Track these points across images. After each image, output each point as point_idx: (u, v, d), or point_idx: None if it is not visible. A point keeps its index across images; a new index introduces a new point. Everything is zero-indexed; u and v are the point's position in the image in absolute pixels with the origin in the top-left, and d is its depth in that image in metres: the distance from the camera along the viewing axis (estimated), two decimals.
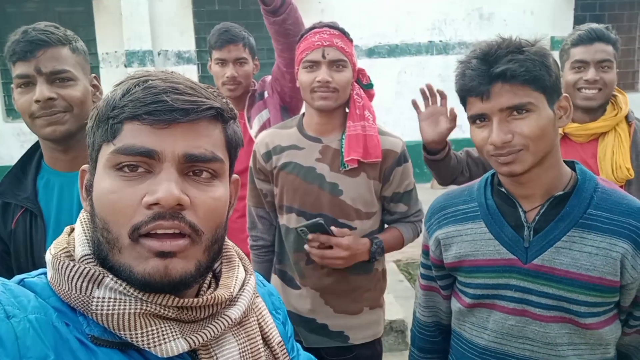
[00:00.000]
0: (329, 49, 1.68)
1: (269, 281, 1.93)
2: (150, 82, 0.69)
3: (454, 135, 1.94)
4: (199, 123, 0.70)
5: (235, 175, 0.81)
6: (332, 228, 1.68)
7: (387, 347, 3.03)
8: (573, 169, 1.23)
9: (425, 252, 1.40)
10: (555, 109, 1.15)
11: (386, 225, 1.90)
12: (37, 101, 1.32)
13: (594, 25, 1.98)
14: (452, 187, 1.43)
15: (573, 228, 1.15)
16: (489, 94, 1.11)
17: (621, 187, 1.88)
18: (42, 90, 1.32)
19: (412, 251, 4.76)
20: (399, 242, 1.84)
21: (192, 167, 0.69)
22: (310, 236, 1.67)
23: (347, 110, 1.79)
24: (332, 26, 1.73)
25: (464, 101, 1.19)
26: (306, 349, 1.81)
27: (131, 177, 0.67)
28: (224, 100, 0.75)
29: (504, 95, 1.10)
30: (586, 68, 1.94)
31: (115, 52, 7.27)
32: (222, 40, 2.28)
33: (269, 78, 2.40)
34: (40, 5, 7.04)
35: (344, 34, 1.73)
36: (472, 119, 1.17)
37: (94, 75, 1.49)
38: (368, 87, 1.84)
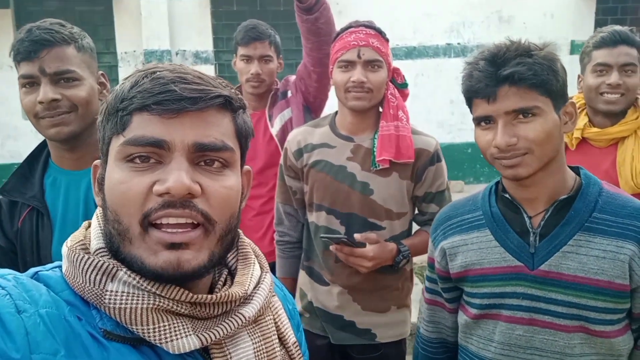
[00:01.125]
0: (364, 49, 1.68)
1: (296, 278, 1.93)
2: (158, 73, 0.69)
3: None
4: (208, 112, 0.69)
5: (247, 167, 0.81)
6: (356, 235, 1.68)
7: None
8: (578, 174, 1.22)
9: (431, 264, 1.39)
10: (561, 114, 1.14)
11: (415, 226, 1.89)
12: (40, 102, 1.31)
13: (618, 28, 1.92)
14: (468, 191, 1.41)
15: (579, 232, 1.13)
16: (496, 96, 1.10)
17: (637, 195, 1.83)
18: (45, 91, 1.31)
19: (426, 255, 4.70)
20: (427, 246, 1.83)
21: (203, 156, 0.69)
22: (332, 247, 1.68)
23: (380, 109, 1.78)
24: (369, 25, 1.72)
25: (469, 102, 1.18)
26: (332, 346, 1.83)
27: (142, 168, 0.67)
28: (233, 90, 0.74)
29: (510, 98, 1.09)
30: (609, 72, 1.89)
31: (134, 51, 7.34)
32: (249, 37, 2.29)
33: (292, 77, 2.41)
34: (61, 3, 7.13)
35: (380, 33, 1.73)
36: (477, 121, 1.16)
37: (101, 72, 1.47)
38: (403, 87, 1.83)
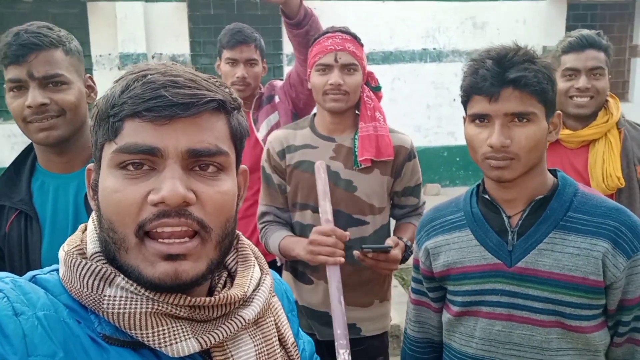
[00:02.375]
0: (341, 53, 1.74)
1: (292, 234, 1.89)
2: (149, 76, 0.67)
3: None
4: (201, 116, 0.68)
5: (243, 166, 0.80)
6: (388, 240, 1.74)
7: None
8: (555, 176, 1.26)
9: (416, 266, 1.42)
10: (549, 122, 1.18)
11: (392, 221, 1.96)
12: (29, 107, 1.30)
13: (585, 32, 1.95)
14: (445, 194, 1.45)
15: (554, 230, 1.17)
16: (498, 97, 1.12)
17: (611, 195, 1.89)
18: (34, 95, 1.30)
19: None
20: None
21: (197, 162, 0.68)
22: (371, 254, 1.70)
23: (357, 112, 1.85)
24: (345, 31, 1.79)
25: (467, 98, 1.20)
26: (319, 342, 1.85)
27: (135, 176, 0.66)
28: (227, 90, 0.73)
29: (512, 100, 1.12)
30: (577, 76, 1.92)
31: (109, 54, 7.24)
32: (235, 40, 2.29)
33: (277, 82, 2.43)
34: (34, 6, 7.00)
35: (355, 38, 1.80)
36: (473, 117, 1.18)
37: (88, 75, 1.47)
38: (376, 90, 1.92)
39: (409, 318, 1.47)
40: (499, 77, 1.12)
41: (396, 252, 1.72)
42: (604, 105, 1.99)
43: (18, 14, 6.86)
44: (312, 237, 1.67)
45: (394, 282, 4.45)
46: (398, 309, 3.59)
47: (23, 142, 1.48)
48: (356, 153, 1.79)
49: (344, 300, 1.81)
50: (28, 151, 1.48)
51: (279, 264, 2.10)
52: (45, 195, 1.40)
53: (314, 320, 1.89)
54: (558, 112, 1.21)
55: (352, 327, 1.86)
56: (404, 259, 1.80)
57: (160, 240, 0.65)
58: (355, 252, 1.71)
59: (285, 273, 1.96)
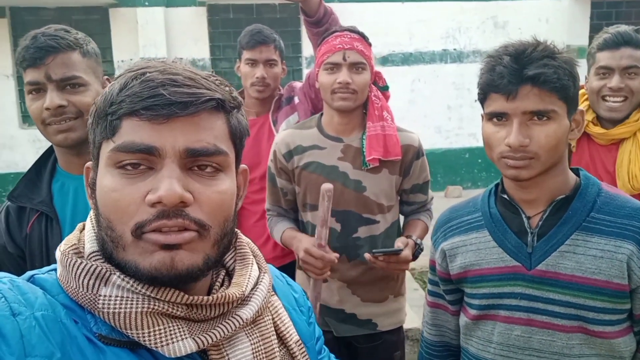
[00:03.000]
0: (349, 52, 1.74)
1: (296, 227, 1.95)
2: (147, 74, 0.66)
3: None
4: (200, 115, 0.67)
5: (243, 165, 0.79)
6: (397, 242, 1.75)
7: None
8: (578, 175, 1.21)
9: (432, 267, 1.39)
10: (571, 120, 1.14)
11: (402, 217, 1.99)
12: (47, 109, 1.32)
13: (622, 28, 1.87)
14: (466, 196, 1.41)
15: (576, 231, 1.13)
16: (516, 94, 1.08)
17: (635, 196, 1.83)
18: (52, 97, 1.32)
19: (426, 259, 4.68)
20: (426, 233, 1.94)
21: (195, 161, 0.67)
22: (381, 258, 1.72)
23: (365, 111, 1.85)
24: (352, 30, 1.80)
25: (484, 96, 1.16)
26: (336, 339, 1.88)
27: (133, 175, 0.66)
28: (227, 88, 0.72)
29: (530, 98, 1.08)
30: (611, 75, 1.85)
31: (131, 59, 7.35)
32: (255, 40, 2.28)
33: (296, 84, 2.43)
34: (56, 13, 7.15)
35: (363, 37, 1.80)
36: (490, 116, 1.15)
37: (106, 77, 1.47)
38: (384, 89, 1.91)
39: (425, 321, 1.44)
40: (516, 74, 1.07)
41: (407, 253, 1.72)
42: (639, 104, 1.90)
43: (41, 20, 7.01)
44: (302, 257, 1.71)
45: (415, 285, 4.41)
46: (418, 312, 3.56)
47: (47, 146, 1.50)
48: (364, 153, 1.80)
49: (360, 297, 1.87)
50: (49, 153, 1.49)
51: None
52: (65, 196, 1.42)
53: (331, 317, 1.90)
54: (581, 108, 1.16)
55: (368, 323, 1.89)
56: (414, 257, 1.82)
57: (157, 233, 0.65)
58: (367, 255, 1.71)
59: (298, 272, 1.97)
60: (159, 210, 0.64)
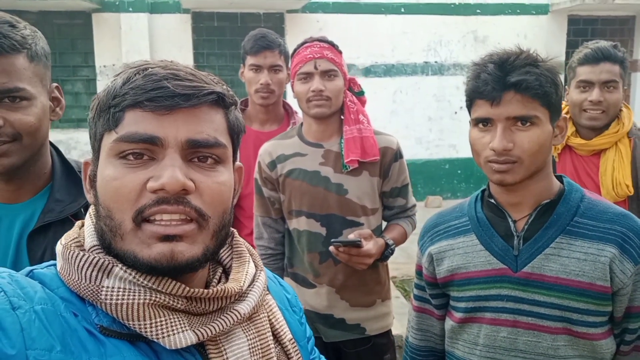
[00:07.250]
0: (320, 61, 1.80)
1: None
2: (150, 69, 0.69)
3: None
4: (201, 108, 0.69)
5: (238, 163, 0.81)
6: (350, 235, 1.77)
7: None
8: (562, 182, 1.26)
9: (419, 272, 1.41)
10: (554, 126, 1.18)
11: (384, 223, 2.01)
12: None
13: (602, 44, 1.95)
14: (446, 206, 1.44)
15: (561, 235, 1.17)
16: (500, 100, 1.12)
17: (621, 203, 1.90)
18: None
19: (408, 268, 4.75)
20: (403, 238, 1.97)
21: (195, 153, 0.69)
22: (342, 249, 1.73)
23: (342, 116, 1.90)
24: (322, 40, 1.85)
25: (470, 102, 1.20)
26: (325, 344, 1.89)
27: (135, 165, 0.67)
28: (225, 86, 0.74)
29: (513, 104, 1.12)
30: (591, 88, 1.93)
31: (113, 65, 7.30)
32: (259, 45, 2.22)
33: None
34: (39, 17, 7.07)
35: (333, 46, 1.86)
36: (476, 122, 1.19)
37: (55, 85, 1.20)
38: (360, 94, 1.96)
39: (410, 326, 1.46)
40: (500, 81, 1.12)
41: (369, 247, 1.74)
42: (617, 116, 1.99)
43: None
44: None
45: (396, 292, 4.44)
46: (400, 320, 3.58)
47: None
48: (343, 156, 1.84)
49: (348, 302, 1.89)
50: None
51: None
52: None
53: (319, 323, 1.92)
54: (564, 115, 1.21)
55: (356, 328, 1.92)
56: (385, 257, 1.85)
57: (157, 223, 0.66)
58: (331, 248, 1.74)
59: (286, 279, 1.98)
60: (160, 197, 0.66)
